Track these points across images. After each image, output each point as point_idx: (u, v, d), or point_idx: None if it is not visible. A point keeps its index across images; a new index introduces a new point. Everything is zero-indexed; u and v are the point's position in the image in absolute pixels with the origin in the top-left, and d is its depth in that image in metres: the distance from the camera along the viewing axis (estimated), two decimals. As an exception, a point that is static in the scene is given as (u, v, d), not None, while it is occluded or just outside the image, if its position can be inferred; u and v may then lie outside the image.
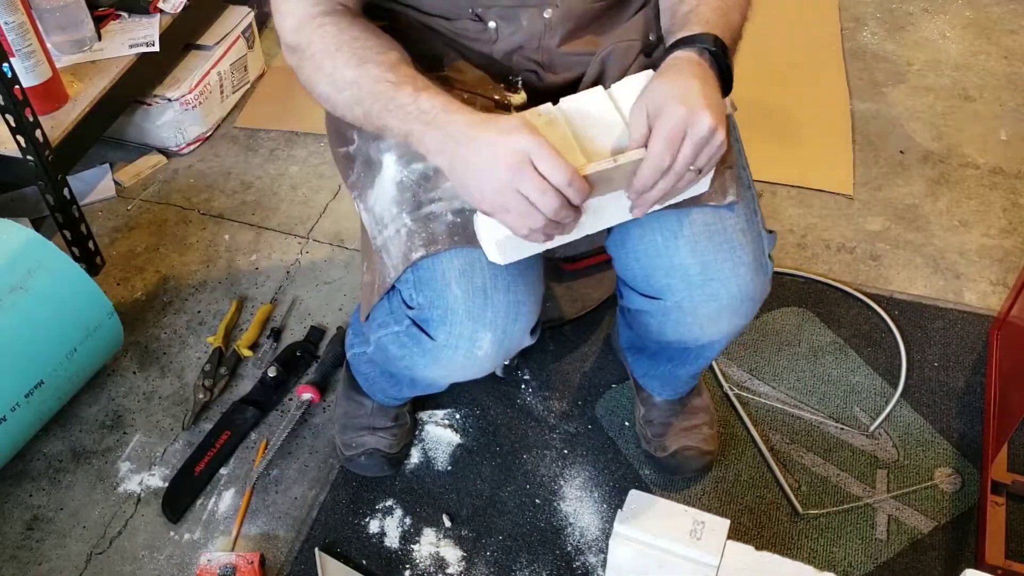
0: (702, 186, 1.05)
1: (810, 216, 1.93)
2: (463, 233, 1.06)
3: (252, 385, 1.64)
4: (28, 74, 1.69)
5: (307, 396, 1.60)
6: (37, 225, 1.89)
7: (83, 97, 1.81)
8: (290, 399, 1.63)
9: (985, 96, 2.20)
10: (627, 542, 1.16)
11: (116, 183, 2.04)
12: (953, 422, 1.56)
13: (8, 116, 1.60)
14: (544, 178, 0.90)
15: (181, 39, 2.05)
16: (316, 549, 1.40)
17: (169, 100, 2.01)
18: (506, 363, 1.63)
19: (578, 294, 1.70)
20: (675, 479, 1.49)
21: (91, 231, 1.82)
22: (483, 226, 0.99)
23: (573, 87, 1.14)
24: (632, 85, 1.02)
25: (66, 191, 1.74)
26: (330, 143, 1.27)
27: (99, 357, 1.58)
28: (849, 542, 1.42)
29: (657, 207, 1.01)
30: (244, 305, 1.78)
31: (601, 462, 1.52)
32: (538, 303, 1.13)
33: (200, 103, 2.07)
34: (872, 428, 1.55)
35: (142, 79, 1.96)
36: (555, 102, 1.02)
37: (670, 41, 1.02)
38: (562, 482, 1.50)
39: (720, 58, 0.99)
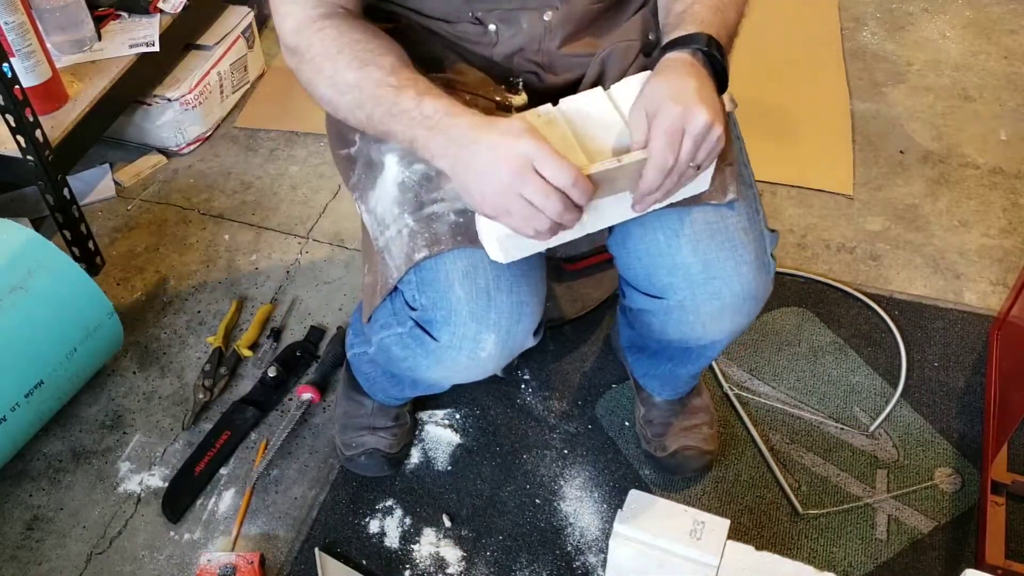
0: (703, 184, 1.05)
1: (810, 216, 1.93)
2: (466, 233, 1.06)
3: (252, 385, 1.64)
4: (28, 74, 1.69)
5: (307, 396, 1.60)
6: (37, 225, 1.89)
7: (83, 97, 1.81)
8: (290, 399, 1.63)
9: (985, 96, 2.20)
10: (627, 542, 1.16)
11: (116, 183, 2.04)
12: (953, 422, 1.56)
13: (8, 116, 1.60)
14: (547, 181, 0.90)
15: (181, 39, 2.05)
16: (316, 549, 1.40)
17: (169, 100, 2.01)
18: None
19: (578, 294, 1.70)
20: (675, 479, 1.49)
21: (91, 231, 1.82)
22: (484, 224, 0.99)
23: (573, 88, 1.14)
24: (631, 85, 1.02)
25: (66, 191, 1.74)
26: (331, 145, 1.27)
27: (99, 357, 1.58)
28: (849, 542, 1.42)
29: (658, 205, 1.01)
30: (244, 305, 1.78)
31: (601, 462, 1.52)
32: (541, 304, 1.13)
33: (200, 103, 2.07)
34: (872, 428, 1.55)
35: (142, 79, 1.96)
36: (555, 103, 1.02)
37: (665, 41, 1.02)
38: (562, 482, 1.50)
39: (714, 58, 0.99)
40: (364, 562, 1.41)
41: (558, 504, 1.47)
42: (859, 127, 2.13)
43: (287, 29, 1.05)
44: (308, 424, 1.59)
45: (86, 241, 1.81)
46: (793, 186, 1.98)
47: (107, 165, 2.06)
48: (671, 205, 1.05)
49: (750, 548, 1.14)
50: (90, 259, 1.82)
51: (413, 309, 1.11)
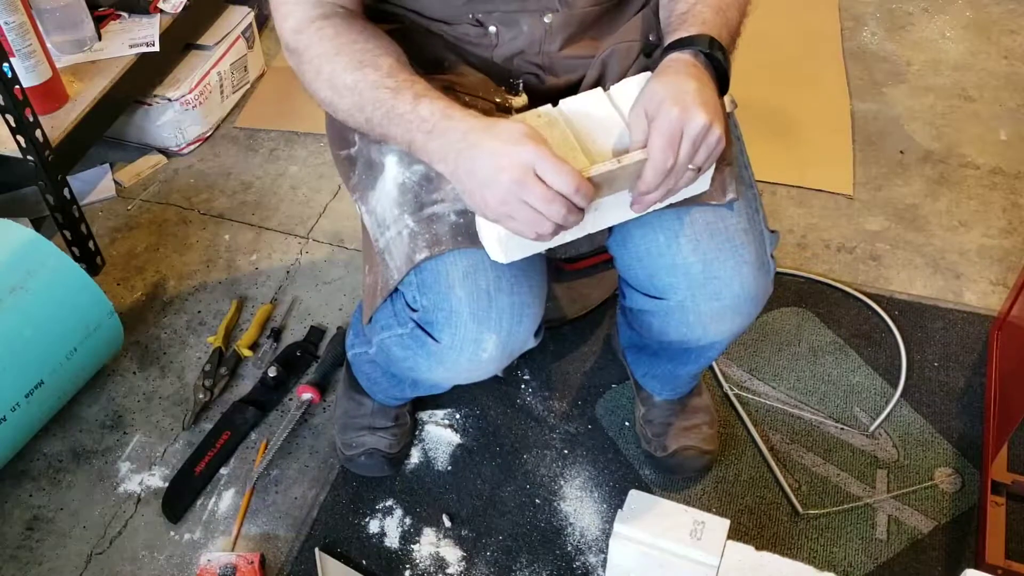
0: (703, 185, 1.05)
1: (810, 216, 1.93)
2: (466, 234, 1.06)
3: (252, 385, 1.64)
4: (28, 74, 1.69)
5: (307, 396, 1.60)
6: (37, 225, 1.89)
7: (83, 97, 1.81)
8: (290, 399, 1.63)
9: (985, 96, 2.20)
10: (627, 542, 1.16)
11: (116, 183, 2.04)
12: (953, 422, 1.56)
13: (8, 116, 1.60)
14: (548, 187, 0.90)
15: (181, 39, 2.05)
16: (316, 549, 1.40)
17: (169, 100, 2.01)
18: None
19: (578, 294, 1.70)
20: (675, 479, 1.49)
21: (91, 231, 1.82)
22: (485, 225, 0.99)
23: (574, 89, 1.14)
24: (631, 86, 1.02)
25: (66, 191, 1.74)
26: (330, 146, 1.27)
27: (99, 357, 1.58)
28: (849, 542, 1.42)
29: (658, 205, 1.01)
30: (244, 305, 1.78)
31: (601, 462, 1.52)
32: (542, 305, 1.13)
33: (200, 103, 2.07)
34: (872, 428, 1.55)
35: (142, 79, 1.96)
36: (555, 103, 1.02)
37: (667, 42, 1.02)
38: (562, 482, 1.50)
39: (715, 59, 0.99)
40: (364, 562, 1.41)
41: (558, 504, 1.47)
42: (859, 127, 2.13)
43: (287, 29, 1.05)
44: (308, 424, 1.59)
45: (86, 241, 1.81)
46: (793, 186, 1.98)
47: (107, 165, 2.06)
48: (671, 206, 1.05)
49: (750, 548, 1.14)
50: (90, 259, 1.82)
51: (414, 310, 1.11)
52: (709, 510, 1.19)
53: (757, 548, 1.13)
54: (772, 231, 1.18)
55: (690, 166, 0.95)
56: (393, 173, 1.11)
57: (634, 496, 1.18)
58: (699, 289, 1.12)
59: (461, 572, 1.40)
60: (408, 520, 1.45)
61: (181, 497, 1.49)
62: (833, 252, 1.85)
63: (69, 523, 1.47)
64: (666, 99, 0.94)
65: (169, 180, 2.05)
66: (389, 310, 1.15)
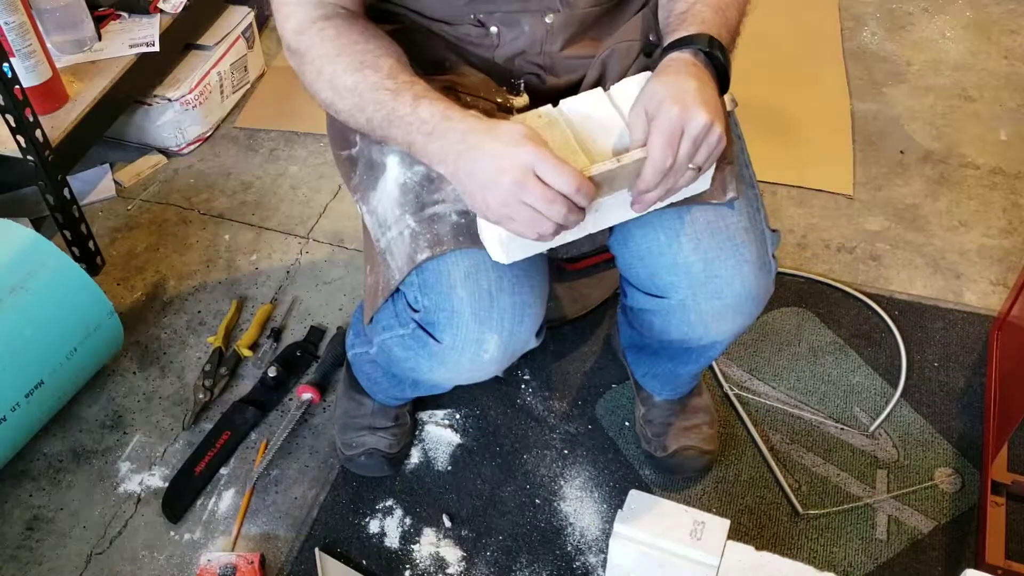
0: (703, 184, 1.05)
1: (810, 216, 1.93)
2: (468, 234, 1.06)
3: (252, 385, 1.64)
4: (28, 74, 1.69)
5: (307, 396, 1.60)
6: (37, 225, 1.89)
7: (83, 97, 1.81)
8: (290, 399, 1.63)
9: (985, 96, 2.20)
10: (627, 542, 1.16)
11: (116, 183, 2.04)
12: (953, 422, 1.56)
13: (8, 116, 1.60)
14: (549, 187, 0.90)
15: (181, 39, 2.05)
16: (316, 549, 1.40)
17: (169, 100, 2.01)
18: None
19: (579, 294, 1.70)
20: (675, 479, 1.49)
21: (91, 231, 1.82)
22: (486, 226, 0.99)
23: (575, 89, 1.14)
24: (631, 86, 1.02)
25: (66, 191, 1.74)
26: (332, 146, 1.27)
27: (99, 357, 1.58)
28: (849, 542, 1.42)
29: (659, 204, 1.01)
30: (244, 305, 1.78)
31: (601, 462, 1.52)
32: (543, 304, 1.13)
33: (200, 103, 2.07)
34: (872, 428, 1.55)
35: (142, 79, 1.96)
36: (555, 103, 1.02)
37: (667, 41, 1.02)
38: (562, 482, 1.50)
39: (715, 59, 0.99)
40: (364, 562, 1.41)
41: (558, 504, 1.47)
42: (859, 127, 2.13)
43: (288, 30, 1.05)
44: (308, 424, 1.59)
45: (86, 241, 1.81)
46: (793, 186, 1.98)
47: (107, 165, 2.06)
48: (671, 205, 1.05)
49: (750, 548, 1.14)
50: (90, 259, 1.82)
51: (415, 311, 1.11)
52: (709, 510, 1.19)
53: (757, 548, 1.13)
54: (773, 231, 1.18)
55: (690, 165, 0.95)
56: (394, 173, 1.11)
57: (634, 496, 1.18)
58: (700, 288, 1.12)
59: (461, 572, 1.40)
60: (408, 520, 1.45)
61: (181, 497, 1.49)
62: (833, 252, 1.85)
63: (69, 523, 1.47)
64: (666, 98, 0.94)
65: (169, 180, 2.05)
66: (390, 310, 1.15)
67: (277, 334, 1.72)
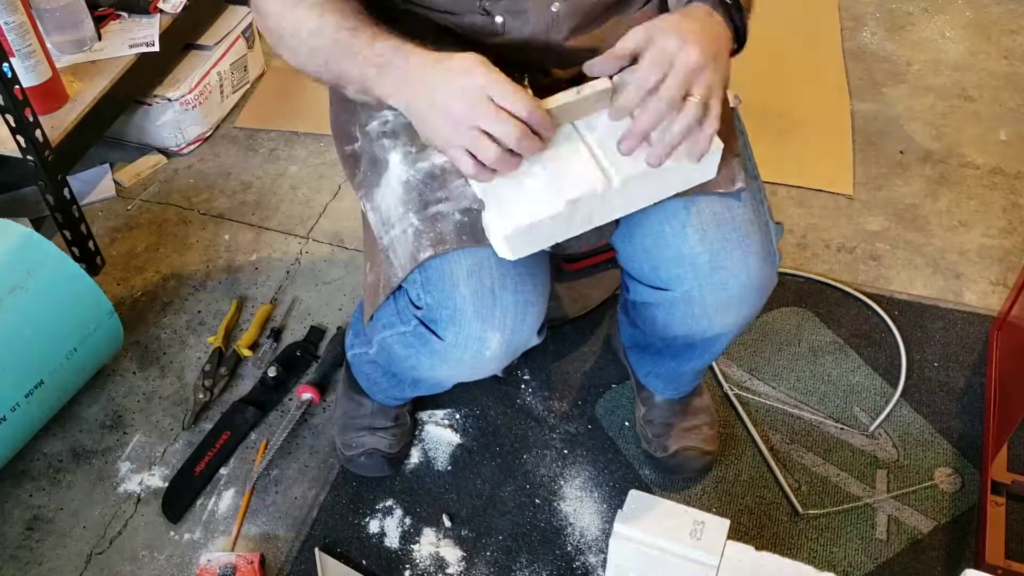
0: (709, 172, 1.04)
1: (810, 216, 1.93)
2: (471, 232, 1.06)
3: (252, 385, 1.64)
4: (28, 74, 1.69)
5: (307, 396, 1.60)
6: (37, 225, 1.89)
7: (83, 97, 1.81)
8: (290, 399, 1.63)
9: (985, 96, 2.20)
10: (627, 542, 1.16)
11: (116, 183, 2.04)
12: (953, 422, 1.56)
13: (8, 116, 1.60)
14: (503, 109, 0.92)
15: (181, 39, 2.05)
16: (316, 549, 1.40)
17: (169, 100, 2.01)
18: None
19: (579, 294, 1.70)
20: (675, 479, 1.49)
21: (91, 231, 1.82)
22: (492, 221, 0.99)
23: (578, 81, 1.14)
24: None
25: (66, 191, 1.74)
26: (335, 142, 1.27)
27: (99, 357, 1.58)
28: (849, 542, 1.42)
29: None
30: (244, 305, 1.78)
31: (601, 462, 1.52)
32: (545, 302, 1.13)
33: (200, 103, 2.07)
34: (872, 428, 1.55)
35: (142, 79, 1.96)
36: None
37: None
38: (562, 482, 1.50)
39: (734, 12, 1.00)
40: (364, 562, 1.41)
41: (558, 504, 1.47)
42: (859, 127, 2.13)
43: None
44: (308, 424, 1.59)
45: (86, 241, 1.81)
46: (793, 186, 1.98)
47: (107, 165, 2.06)
48: (677, 195, 1.05)
49: (750, 548, 1.14)
50: (90, 259, 1.82)
51: (418, 308, 1.11)
52: (709, 510, 1.19)
53: (757, 548, 1.13)
54: (776, 222, 1.18)
55: (693, 98, 0.94)
56: (397, 171, 1.11)
57: (634, 496, 1.18)
58: (706, 279, 1.12)
59: (461, 572, 1.40)
60: (408, 520, 1.45)
61: (181, 497, 1.49)
62: (833, 252, 1.85)
63: (69, 523, 1.47)
64: (669, 31, 0.95)
65: (169, 180, 2.05)
66: (392, 308, 1.15)
67: (277, 334, 1.72)
